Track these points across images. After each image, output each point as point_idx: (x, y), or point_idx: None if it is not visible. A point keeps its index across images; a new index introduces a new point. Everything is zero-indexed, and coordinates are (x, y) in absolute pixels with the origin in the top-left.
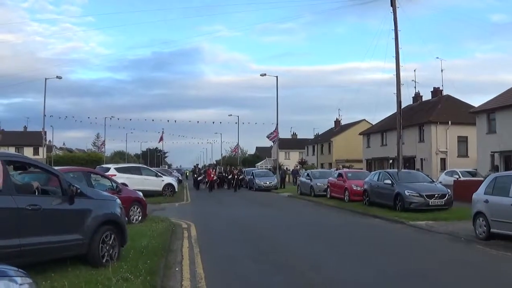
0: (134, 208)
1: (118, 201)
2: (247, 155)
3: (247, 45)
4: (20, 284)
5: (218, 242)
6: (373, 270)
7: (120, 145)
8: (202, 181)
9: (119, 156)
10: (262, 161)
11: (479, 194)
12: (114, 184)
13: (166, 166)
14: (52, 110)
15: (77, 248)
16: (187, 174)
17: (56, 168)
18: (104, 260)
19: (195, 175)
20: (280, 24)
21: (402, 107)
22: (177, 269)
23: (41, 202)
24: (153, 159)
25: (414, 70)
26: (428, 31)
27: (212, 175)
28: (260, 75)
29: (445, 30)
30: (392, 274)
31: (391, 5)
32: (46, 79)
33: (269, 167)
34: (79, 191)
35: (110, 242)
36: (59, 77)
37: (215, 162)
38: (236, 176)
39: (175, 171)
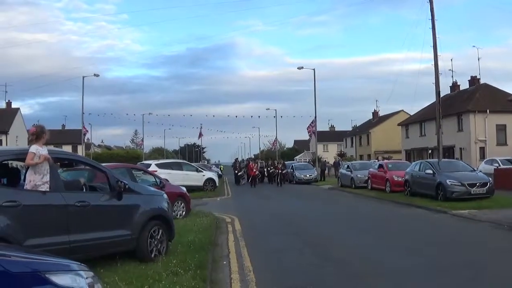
0: (178, 203)
1: (165, 196)
2: (285, 148)
3: (282, 38)
4: (86, 278)
5: (263, 235)
6: (422, 260)
7: (158, 142)
8: (242, 176)
9: (157, 153)
10: (301, 154)
11: None
12: (158, 180)
13: (206, 161)
14: (89, 108)
15: (126, 244)
16: (222, 169)
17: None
18: (152, 255)
19: (236, 170)
20: (314, 17)
21: (440, 97)
22: (224, 262)
23: (89, 199)
24: (191, 154)
25: (451, 59)
26: (462, 19)
27: (254, 170)
28: (297, 68)
29: (479, 18)
30: (441, 264)
31: None
32: (83, 77)
33: (307, 160)
34: (127, 186)
35: (158, 237)
36: (96, 75)
37: (253, 156)
38: (280, 171)
39: (213, 166)
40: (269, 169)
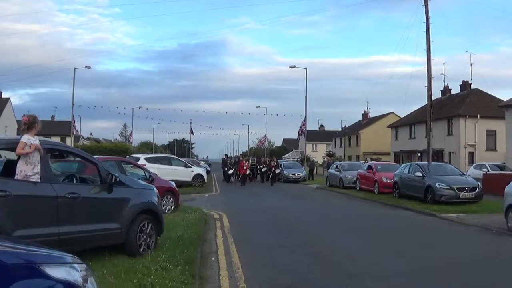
0: (167, 198)
1: (155, 190)
2: (274, 147)
3: (273, 37)
4: (80, 271)
5: (251, 232)
6: (407, 261)
7: (147, 136)
8: (233, 174)
9: (146, 147)
10: (289, 153)
11: (511, 187)
12: (147, 174)
13: (196, 157)
14: (80, 100)
15: (115, 237)
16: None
17: None
18: (141, 249)
19: (226, 168)
20: (306, 17)
21: (432, 100)
22: (213, 258)
23: (80, 191)
24: (180, 150)
25: (443, 64)
26: (454, 25)
27: (245, 168)
28: (290, 67)
29: (471, 25)
30: (426, 265)
31: None
32: (75, 68)
33: (296, 159)
34: (118, 179)
35: (148, 231)
36: (88, 67)
37: (241, 154)
38: (273, 169)
39: (202, 162)
40: (261, 167)
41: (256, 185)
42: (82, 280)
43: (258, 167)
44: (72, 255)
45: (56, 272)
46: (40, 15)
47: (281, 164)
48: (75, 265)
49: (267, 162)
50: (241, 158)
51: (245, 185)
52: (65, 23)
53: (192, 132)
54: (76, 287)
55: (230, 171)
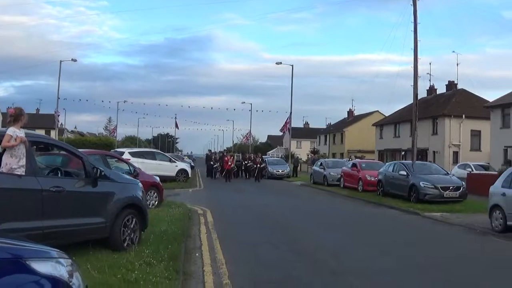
0: (151, 192)
1: (140, 184)
2: (258, 143)
3: (260, 34)
4: (65, 266)
5: (235, 228)
6: (391, 259)
7: (131, 130)
8: (218, 169)
9: (130, 141)
10: (274, 150)
11: (496, 187)
12: (132, 168)
13: (180, 152)
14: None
15: (100, 232)
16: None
17: None
18: (125, 244)
19: (211, 162)
20: (293, 14)
21: (417, 99)
22: (197, 254)
23: (64, 184)
24: (164, 144)
25: (430, 63)
26: (441, 25)
27: (229, 163)
28: (276, 63)
29: (457, 25)
30: (410, 264)
31: None
32: (61, 61)
33: (280, 156)
34: (102, 173)
35: (132, 226)
36: (74, 60)
37: (226, 149)
38: (258, 165)
39: (186, 157)
40: (246, 162)
41: (241, 181)
42: (67, 275)
43: (243, 163)
44: (57, 250)
45: (42, 267)
46: (27, 7)
47: (265, 160)
48: (61, 260)
49: (252, 158)
50: (225, 154)
51: (230, 181)
52: (52, 15)
53: (176, 126)
54: (62, 282)
55: (215, 166)
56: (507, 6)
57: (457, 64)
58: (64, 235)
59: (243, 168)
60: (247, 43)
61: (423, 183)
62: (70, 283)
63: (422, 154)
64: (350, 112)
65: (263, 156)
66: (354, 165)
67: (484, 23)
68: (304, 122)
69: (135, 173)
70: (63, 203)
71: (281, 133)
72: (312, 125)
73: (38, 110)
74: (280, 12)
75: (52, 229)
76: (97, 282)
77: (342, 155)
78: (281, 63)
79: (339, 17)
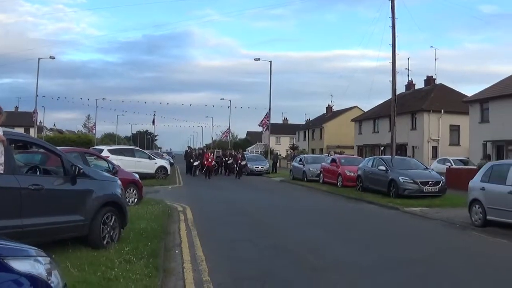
0: (130, 190)
1: (119, 182)
2: (237, 139)
3: (238, 30)
4: (44, 264)
5: (215, 225)
6: (371, 255)
7: (111, 127)
8: (198, 166)
9: (109, 138)
10: (253, 146)
11: (475, 181)
12: (111, 165)
13: (160, 149)
14: (43, 91)
15: (79, 229)
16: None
17: None
18: (105, 242)
19: (191, 159)
20: (271, 9)
21: (396, 95)
22: (176, 251)
23: (43, 182)
24: (143, 141)
25: (408, 59)
26: (418, 20)
27: (209, 160)
28: (254, 59)
29: (434, 20)
30: (391, 259)
31: None
32: (39, 59)
33: (259, 152)
34: (81, 171)
35: (111, 224)
36: (52, 57)
37: (205, 146)
38: (239, 162)
39: (165, 154)
40: (227, 159)
41: (221, 178)
42: (46, 274)
43: (224, 159)
44: (36, 248)
45: (21, 265)
46: (5, 4)
47: (244, 156)
48: (39, 258)
49: (233, 155)
50: (205, 150)
51: (209, 178)
52: (30, 12)
53: (153, 123)
54: (40, 281)
55: (195, 163)
56: (484, 1)
57: (435, 59)
58: (43, 233)
59: (223, 165)
60: (224, 39)
61: (402, 178)
62: (49, 281)
63: (401, 149)
64: (329, 108)
65: (244, 153)
66: (333, 160)
67: (462, 18)
68: (283, 118)
69: (114, 170)
70: (42, 201)
71: (260, 129)
72: (291, 121)
73: (16, 108)
74: (257, 8)
75: (31, 227)
76: (77, 280)
77: (321, 150)
78: (259, 59)
79: (316, 13)
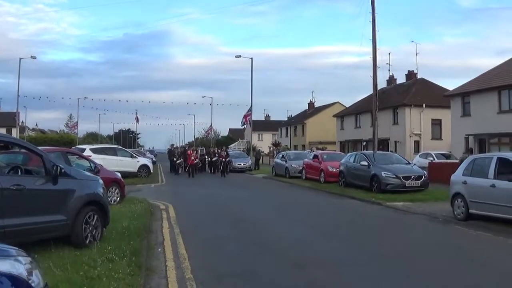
0: (112, 189)
1: (101, 181)
2: (220, 136)
3: (218, 28)
4: (24, 264)
5: (198, 223)
6: (354, 249)
7: (93, 126)
8: (181, 164)
9: (91, 137)
10: (235, 143)
11: (457, 175)
12: (93, 165)
13: (143, 148)
14: (25, 91)
15: (61, 229)
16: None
17: None
18: (87, 241)
19: (174, 158)
20: (251, 7)
21: (377, 90)
22: (159, 249)
23: (25, 182)
24: (125, 140)
25: (389, 54)
26: (399, 15)
27: (192, 158)
28: (235, 56)
29: (414, 15)
30: (373, 254)
31: None
32: (20, 59)
33: (242, 149)
34: (63, 171)
35: (93, 223)
36: (33, 57)
37: (187, 143)
38: (223, 159)
39: (148, 152)
40: (211, 157)
41: (205, 176)
42: (27, 273)
43: (207, 158)
44: (16, 248)
45: (1, 265)
46: None
47: (228, 154)
48: (20, 258)
49: (217, 152)
50: (187, 148)
51: (193, 176)
52: (10, 12)
53: (137, 120)
54: (20, 280)
55: (178, 161)
56: None
57: (416, 54)
58: (25, 233)
59: (207, 162)
60: (205, 37)
61: (384, 173)
62: (29, 281)
63: (383, 144)
64: (310, 104)
65: (227, 150)
66: (315, 156)
67: (442, 12)
68: (265, 115)
69: (96, 169)
70: (24, 201)
71: (242, 126)
72: (273, 117)
73: None
74: (238, 6)
75: (12, 228)
76: (60, 279)
77: (303, 147)
78: (240, 56)
79: (296, 9)
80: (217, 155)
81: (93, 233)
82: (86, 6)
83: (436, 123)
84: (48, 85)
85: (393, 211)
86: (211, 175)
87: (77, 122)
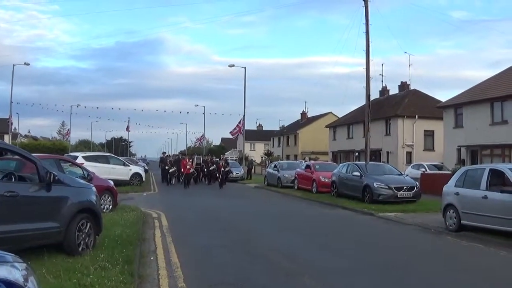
0: (105, 197)
1: (94, 189)
2: (212, 145)
3: (210, 37)
4: (20, 270)
5: (190, 231)
6: (346, 259)
7: (85, 134)
8: (174, 173)
9: (83, 145)
10: (228, 152)
11: (449, 186)
12: (85, 172)
13: (135, 156)
14: (18, 97)
15: (54, 236)
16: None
17: None
18: (80, 249)
19: (166, 166)
20: (243, 17)
21: (370, 100)
22: (152, 258)
23: (18, 189)
24: (117, 148)
25: (382, 65)
26: (391, 27)
27: (188, 167)
28: (229, 65)
29: (407, 27)
30: (365, 264)
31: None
32: (14, 65)
33: (234, 158)
34: (56, 178)
35: (86, 231)
36: (27, 64)
37: (180, 152)
38: (222, 169)
39: (140, 160)
40: (208, 166)
41: (200, 186)
42: (23, 280)
43: (206, 166)
44: (12, 254)
45: None
46: None
47: (228, 163)
48: (16, 264)
49: (215, 161)
50: (181, 157)
51: (189, 187)
52: (3, 19)
53: (127, 129)
54: (17, 286)
55: (171, 170)
56: (455, 7)
57: (409, 65)
58: (18, 240)
59: (205, 172)
60: (197, 46)
61: (376, 184)
62: (26, 287)
63: (376, 155)
64: (303, 114)
65: (227, 159)
66: (308, 166)
67: (434, 24)
68: (258, 124)
69: (89, 177)
70: (17, 208)
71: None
72: (265, 127)
73: None
74: (229, 16)
75: (6, 234)
76: (53, 286)
77: (296, 157)
78: (233, 65)
79: (288, 20)
80: (214, 164)
81: (86, 240)
82: (79, 14)
83: (429, 134)
84: (41, 92)
85: (385, 221)
86: (208, 186)
87: (69, 129)
